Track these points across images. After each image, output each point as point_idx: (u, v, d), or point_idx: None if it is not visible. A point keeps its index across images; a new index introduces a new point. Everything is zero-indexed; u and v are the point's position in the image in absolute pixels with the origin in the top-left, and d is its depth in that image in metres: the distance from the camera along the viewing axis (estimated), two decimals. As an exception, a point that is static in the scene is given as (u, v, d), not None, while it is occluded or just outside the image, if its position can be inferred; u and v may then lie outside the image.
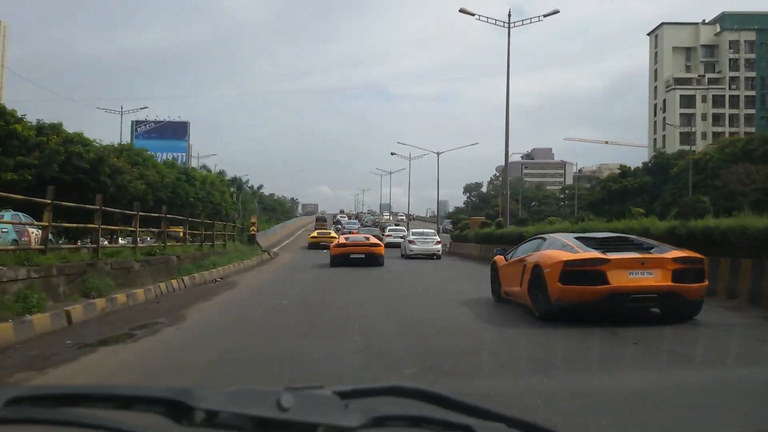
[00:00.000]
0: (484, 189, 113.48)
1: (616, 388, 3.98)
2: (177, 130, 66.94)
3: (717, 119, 77.17)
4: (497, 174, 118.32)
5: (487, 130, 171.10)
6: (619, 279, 6.54)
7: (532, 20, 24.83)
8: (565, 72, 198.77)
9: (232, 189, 55.19)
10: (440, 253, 24.68)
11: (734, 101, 77.68)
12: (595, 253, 6.72)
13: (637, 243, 7.47)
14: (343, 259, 18.92)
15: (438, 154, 44.42)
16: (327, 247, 23.19)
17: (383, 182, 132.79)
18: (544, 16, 24.66)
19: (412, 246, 24.22)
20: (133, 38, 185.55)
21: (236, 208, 48.67)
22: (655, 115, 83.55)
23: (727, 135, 74.04)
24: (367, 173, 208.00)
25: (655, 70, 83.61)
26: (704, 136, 75.03)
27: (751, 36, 76.79)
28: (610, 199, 62.34)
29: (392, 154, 41.11)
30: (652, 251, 6.94)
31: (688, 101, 77.73)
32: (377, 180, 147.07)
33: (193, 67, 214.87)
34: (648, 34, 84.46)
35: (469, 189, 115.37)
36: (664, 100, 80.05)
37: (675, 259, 6.57)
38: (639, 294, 6.50)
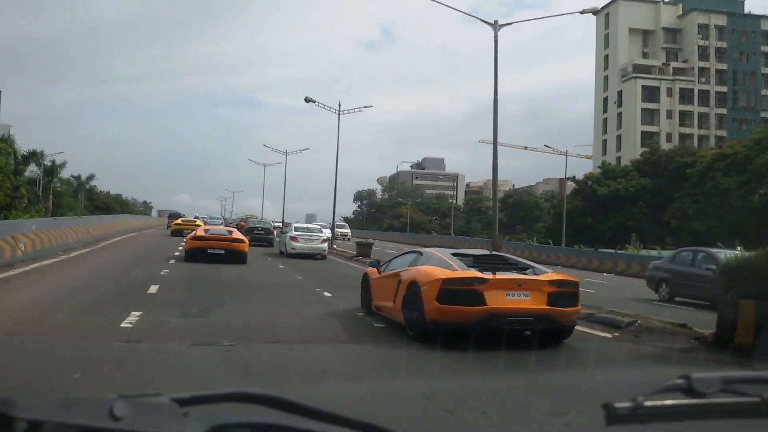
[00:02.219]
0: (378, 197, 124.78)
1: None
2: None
3: (684, 118, 77.06)
4: (381, 186, 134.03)
5: (354, 147, 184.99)
6: (496, 300, 7.57)
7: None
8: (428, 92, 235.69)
9: (30, 169, 58.24)
10: (326, 252, 26.07)
11: (704, 97, 77.11)
12: (473, 272, 7.55)
13: (513, 262, 8.35)
14: (199, 253, 19.45)
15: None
16: None
17: (248, 192, 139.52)
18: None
19: (294, 243, 24.87)
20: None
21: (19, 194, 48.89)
22: (605, 111, 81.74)
23: (695, 137, 75.27)
24: (231, 183, 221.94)
25: (606, 56, 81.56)
26: (669, 138, 74.53)
27: (722, 20, 76.93)
28: (593, 210, 59.21)
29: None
30: (527, 272, 7.63)
31: (650, 94, 76.40)
32: (243, 191, 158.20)
33: (41, 62, 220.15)
34: (596, 13, 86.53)
35: (360, 197, 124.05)
36: (620, 92, 78.57)
37: (551, 282, 7.48)
38: (515, 317, 7.30)
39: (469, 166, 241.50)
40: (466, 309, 7.41)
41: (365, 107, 37.78)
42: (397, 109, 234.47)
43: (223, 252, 19.58)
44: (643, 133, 74.94)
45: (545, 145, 63.06)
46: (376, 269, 10.12)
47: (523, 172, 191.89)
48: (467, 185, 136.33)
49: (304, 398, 0.88)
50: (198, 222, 37.68)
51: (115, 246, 26.11)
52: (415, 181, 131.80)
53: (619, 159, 72.53)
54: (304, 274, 17.73)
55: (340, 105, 34.84)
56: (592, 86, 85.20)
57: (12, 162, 50.71)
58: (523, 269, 8.14)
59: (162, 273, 15.11)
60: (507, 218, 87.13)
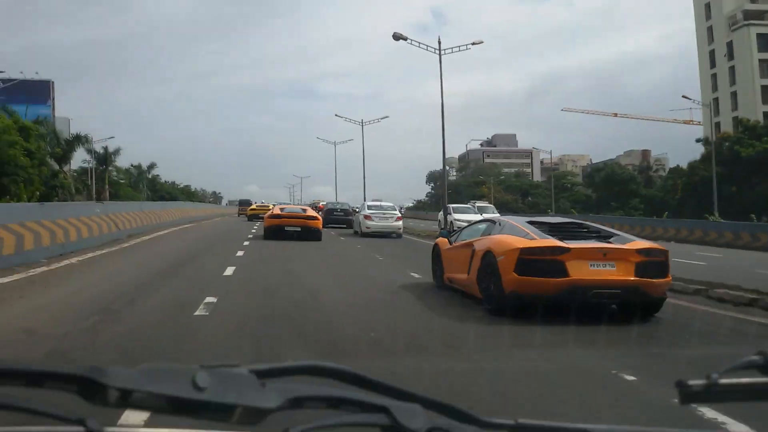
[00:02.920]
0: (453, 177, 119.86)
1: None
2: (34, 91, 64.96)
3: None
4: (449, 167, 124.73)
5: (417, 130, 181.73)
6: (579, 271, 7.48)
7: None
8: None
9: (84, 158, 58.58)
10: (401, 231, 26.45)
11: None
12: (553, 241, 7.45)
13: (595, 230, 8.23)
14: (277, 230, 21.57)
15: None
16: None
17: (315, 179, 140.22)
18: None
19: (369, 222, 25.58)
20: (39, 36, 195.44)
21: (62, 184, 47.38)
22: (712, 66, 75.23)
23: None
24: (297, 171, 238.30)
25: (707, 5, 75.30)
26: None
27: None
28: (736, 177, 50.64)
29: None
30: (612, 240, 7.46)
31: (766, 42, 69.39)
32: (310, 176, 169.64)
33: (106, 65, 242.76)
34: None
35: (433, 178, 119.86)
36: (730, 43, 71.91)
37: (639, 251, 7.35)
38: (600, 288, 7.27)
39: (537, 142, 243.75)
40: (548, 281, 7.34)
41: (474, 44, 32.70)
42: (455, 92, 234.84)
43: (299, 229, 21.35)
44: (763, 87, 68.42)
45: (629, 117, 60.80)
46: (447, 239, 10.18)
47: (598, 145, 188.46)
48: (541, 162, 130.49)
49: (373, 372, 0.94)
50: (270, 206, 39.50)
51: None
52: (487, 159, 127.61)
53: (737, 119, 65.06)
54: (384, 254, 17.68)
55: (440, 42, 31.32)
56: (658, 56, 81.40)
57: (48, 148, 48.43)
58: (606, 237, 7.97)
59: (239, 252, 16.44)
60: (596, 195, 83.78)
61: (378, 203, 28.94)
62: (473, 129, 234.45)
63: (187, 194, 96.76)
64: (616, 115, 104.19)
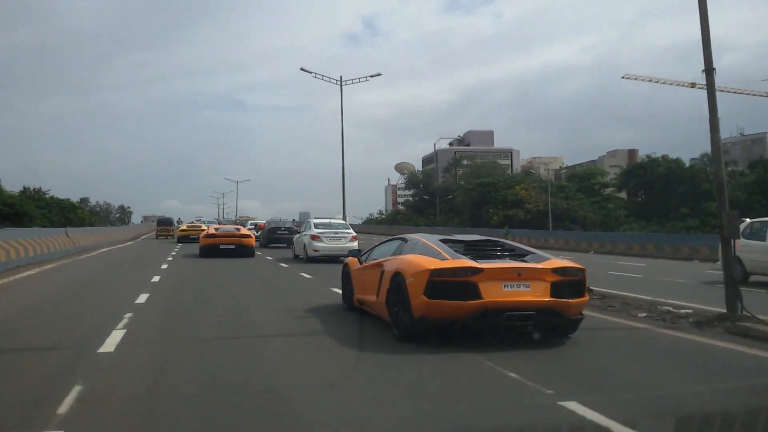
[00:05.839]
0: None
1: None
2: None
3: None
4: (402, 174, 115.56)
5: (346, 143, 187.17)
6: (492, 293, 7.08)
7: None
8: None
9: None
10: None
11: None
12: (466, 261, 6.90)
13: (509, 248, 7.86)
14: (213, 249, 23.40)
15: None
16: (198, 240, 28.09)
17: (238, 193, 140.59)
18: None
19: (317, 244, 21.24)
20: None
21: None
22: None
23: None
24: (219, 186, 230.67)
25: None
26: None
27: None
28: None
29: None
30: (527, 259, 7.12)
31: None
32: (231, 195, 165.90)
33: (23, 74, 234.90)
34: None
35: (415, 182, 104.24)
36: None
37: (554, 270, 7.02)
38: (514, 311, 6.72)
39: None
40: (459, 304, 6.93)
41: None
42: (383, 102, 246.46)
43: (233, 247, 23.44)
44: None
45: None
46: (357, 259, 9.80)
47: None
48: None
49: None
50: (203, 226, 38.79)
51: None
52: (449, 163, 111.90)
53: None
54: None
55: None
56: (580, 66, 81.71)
57: None
58: (521, 256, 7.64)
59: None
60: (644, 198, 70.47)
61: (327, 220, 24.21)
62: (400, 140, 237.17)
63: (62, 208, 71.27)
64: (694, 85, 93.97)
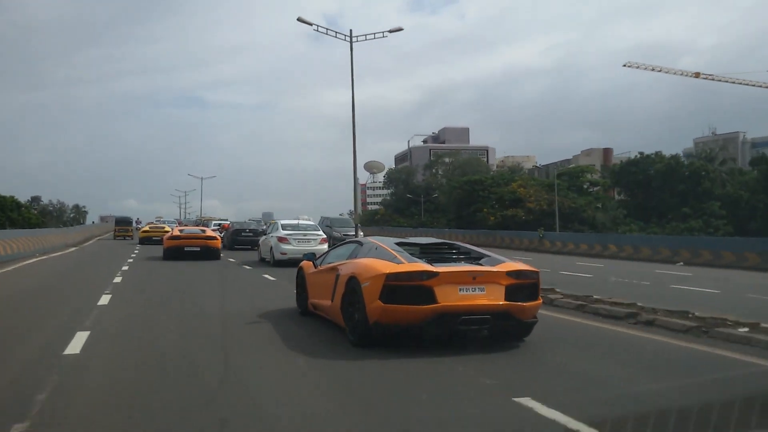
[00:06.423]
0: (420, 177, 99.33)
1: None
2: None
3: None
4: (369, 173, 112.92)
5: (303, 144, 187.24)
6: (448, 297, 7.03)
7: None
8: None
9: None
10: None
11: None
12: (421, 265, 6.85)
13: (465, 251, 7.84)
14: (177, 251, 22.81)
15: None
16: (161, 242, 27.11)
17: (197, 194, 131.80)
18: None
19: (285, 246, 20.60)
20: None
21: None
22: None
23: None
24: (180, 185, 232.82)
25: None
26: None
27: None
28: None
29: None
30: (482, 262, 7.11)
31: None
32: (195, 189, 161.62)
33: None
34: None
35: (395, 178, 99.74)
36: None
37: (509, 273, 7.06)
38: (470, 315, 6.71)
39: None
40: (415, 308, 6.89)
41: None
42: (345, 102, 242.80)
43: (198, 249, 22.87)
44: None
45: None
46: (311, 262, 9.69)
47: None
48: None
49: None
50: (167, 228, 37.15)
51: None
52: (431, 159, 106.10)
53: None
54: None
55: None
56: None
57: None
58: (476, 259, 7.62)
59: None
60: (641, 198, 64.88)
61: (295, 222, 23.49)
62: (371, 137, 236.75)
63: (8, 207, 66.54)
64: (698, 75, 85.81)
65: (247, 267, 20.09)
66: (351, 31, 29.30)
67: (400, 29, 29.87)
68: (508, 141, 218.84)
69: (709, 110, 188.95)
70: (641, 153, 74.07)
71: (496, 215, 62.71)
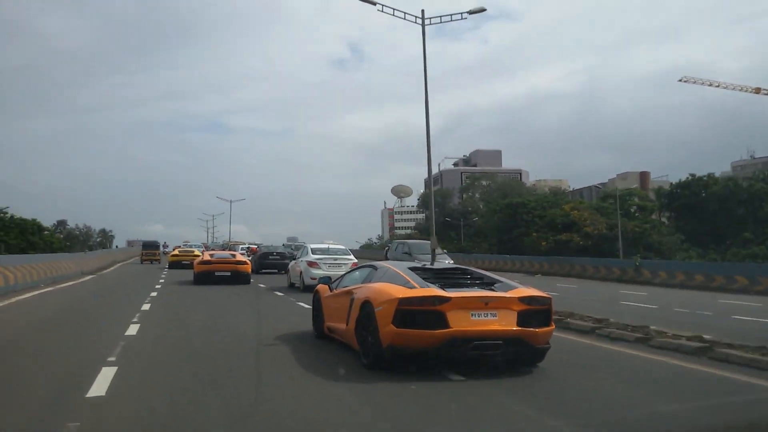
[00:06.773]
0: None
1: None
2: None
3: None
4: (397, 197, 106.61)
5: (329, 167, 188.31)
6: (460, 322, 7.08)
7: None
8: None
9: None
10: None
11: None
12: (434, 290, 6.97)
13: (478, 277, 7.97)
14: (207, 276, 23.10)
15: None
16: (190, 266, 27.52)
17: (225, 218, 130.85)
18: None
19: (315, 271, 19.60)
20: None
21: None
22: None
23: None
24: (206, 209, 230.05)
25: None
26: None
27: None
28: None
29: None
30: (495, 288, 7.16)
31: None
32: (221, 217, 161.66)
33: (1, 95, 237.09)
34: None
35: (429, 202, 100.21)
36: None
37: (521, 299, 7.11)
38: (482, 340, 6.84)
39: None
40: (427, 333, 6.98)
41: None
42: (369, 127, 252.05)
43: (229, 274, 23.06)
44: None
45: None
46: (327, 286, 9.84)
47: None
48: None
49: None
50: (197, 252, 37.48)
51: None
52: (467, 182, 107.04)
53: None
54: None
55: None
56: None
57: None
58: (489, 284, 7.67)
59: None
60: (694, 224, 61.30)
61: (325, 246, 22.93)
62: (386, 164, 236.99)
63: (21, 230, 58.74)
64: (758, 90, 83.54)
65: (279, 293, 19.46)
66: (423, 11, 25.15)
67: (482, 9, 25.58)
68: (534, 165, 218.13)
69: (737, 133, 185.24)
70: (692, 175, 70.72)
71: (548, 240, 59.41)
